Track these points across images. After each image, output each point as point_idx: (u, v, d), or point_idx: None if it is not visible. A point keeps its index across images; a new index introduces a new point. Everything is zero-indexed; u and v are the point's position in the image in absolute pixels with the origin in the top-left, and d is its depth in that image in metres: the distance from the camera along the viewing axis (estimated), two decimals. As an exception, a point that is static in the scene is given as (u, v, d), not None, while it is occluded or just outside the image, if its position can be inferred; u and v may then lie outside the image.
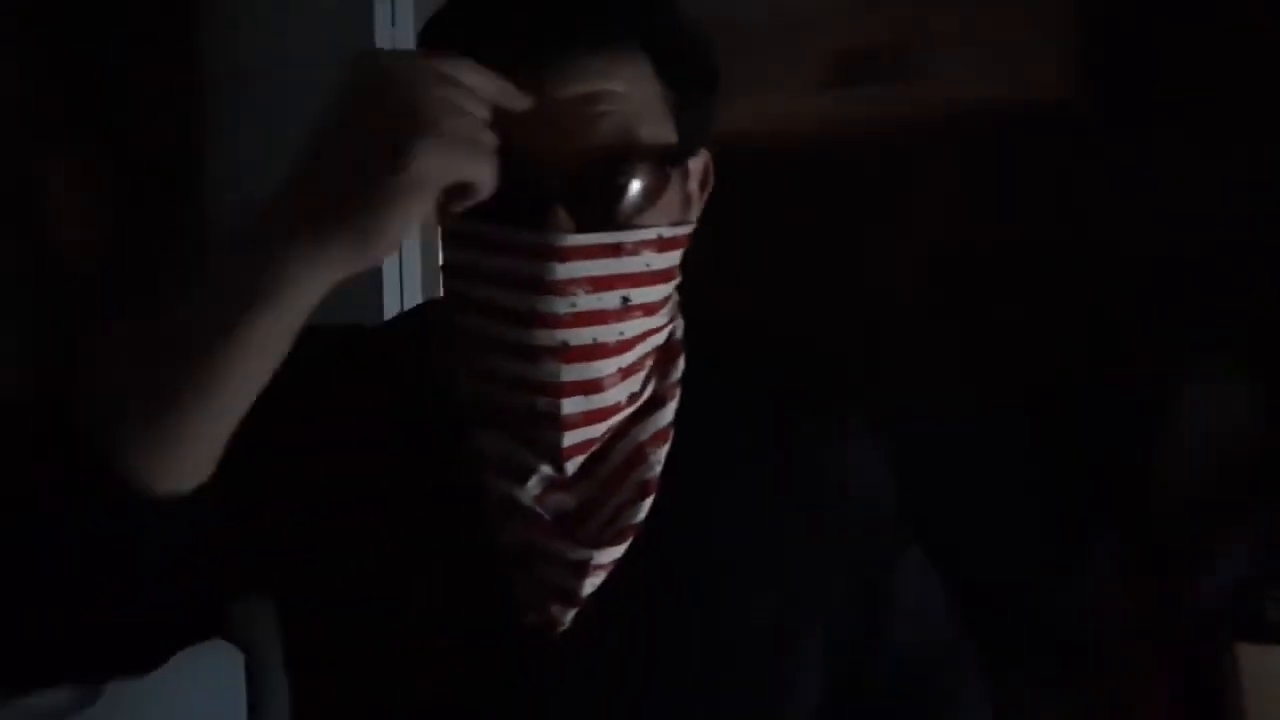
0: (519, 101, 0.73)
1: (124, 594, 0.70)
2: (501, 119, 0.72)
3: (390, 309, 1.78)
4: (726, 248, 0.90)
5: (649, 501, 0.82)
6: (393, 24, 1.86)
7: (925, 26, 2.12)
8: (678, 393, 0.85)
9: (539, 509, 0.81)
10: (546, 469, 0.81)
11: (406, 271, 1.84)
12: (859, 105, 2.16)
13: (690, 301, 0.91)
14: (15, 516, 0.66)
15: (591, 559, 0.80)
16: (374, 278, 1.69)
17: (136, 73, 1.79)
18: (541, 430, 0.79)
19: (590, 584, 0.80)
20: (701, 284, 0.90)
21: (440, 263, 0.82)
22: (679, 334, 0.87)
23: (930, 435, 1.92)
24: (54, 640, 0.70)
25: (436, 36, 0.80)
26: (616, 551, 0.81)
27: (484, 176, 0.69)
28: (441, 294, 0.84)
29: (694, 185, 0.86)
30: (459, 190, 0.69)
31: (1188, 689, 1.82)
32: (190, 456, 0.69)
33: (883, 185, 2.10)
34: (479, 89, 0.70)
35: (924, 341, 2.08)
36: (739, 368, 0.95)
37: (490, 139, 0.70)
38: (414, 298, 1.85)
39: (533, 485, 0.81)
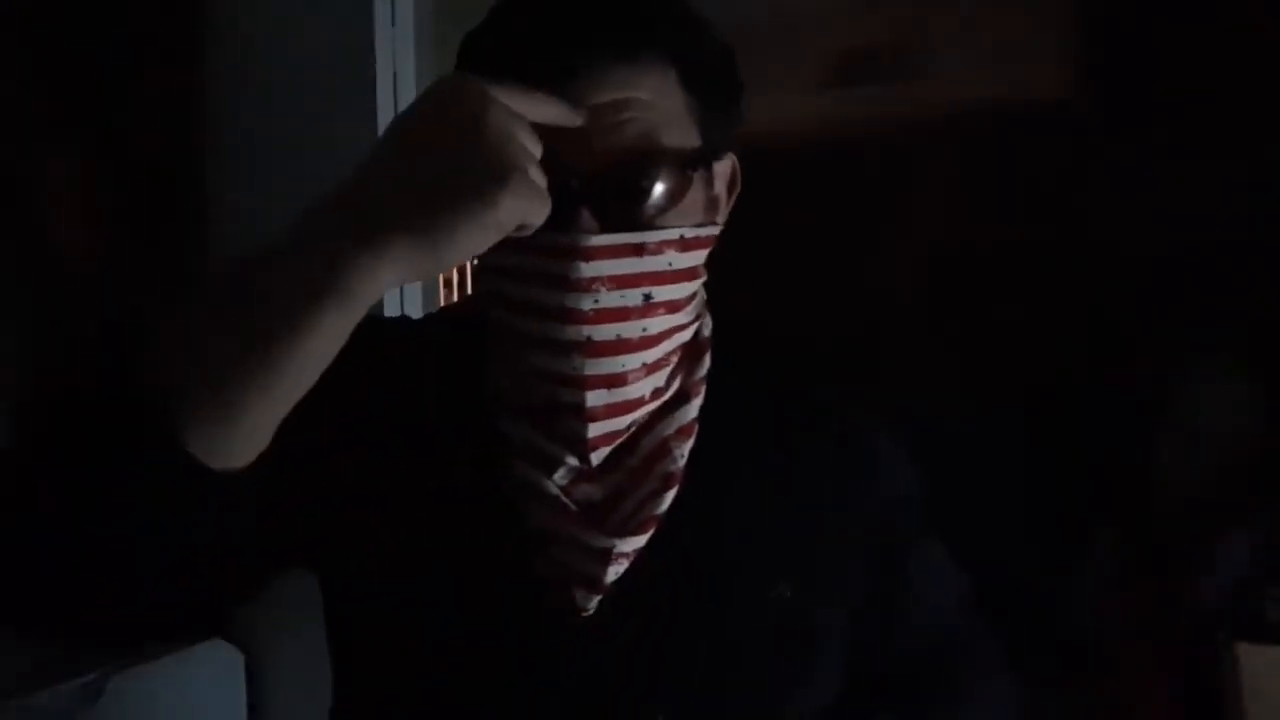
0: (575, 120, 0.77)
1: (178, 561, 0.72)
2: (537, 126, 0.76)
3: (390, 311, 1.78)
4: (726, 247, 0.91)
5: (672, 493, 0.85)
6: (393, 24, 1.87)
7: (925, 26, 2.12)
8: (703, 389, 0.89)
9: (565, 499, 0.85)
10: (573, 460, 0.85)
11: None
12: (859, 105, 2.17)
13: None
14: (81, 484, 0.68)
15: (615, 547, 0.83)
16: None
17: (137, 73, 1.79)
18: (567, 422, 0.83)
19: (614, 571, 0.83)
20: (703, 283, 0.91)
21: (473, 261, 0.86)
22: (706, 331, 0.91)
23: (930, 435, 1.91)
24: (107, 600, 0.72)
25: (474, 48, 0.85)
26: (639, 541, 0.84)
27: (543, 219, 0.73)
28: (440, 299, 0.87)
29: (720, 188, 0.89)
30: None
31: (1188, 689, 1.82)
32: (247, 436, 0.71)
33: (883, 185, 2.10)
34: (544, 117, 0.75)
35: (923, 341, 2.08)
36: (761, 364, 0.98)
37: (544, 180, 0.74)
38: (414, 299, 1.85)
39: (560, 476, 0.85)
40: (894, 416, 1.00)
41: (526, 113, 0.73)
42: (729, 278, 0.94)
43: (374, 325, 0.85)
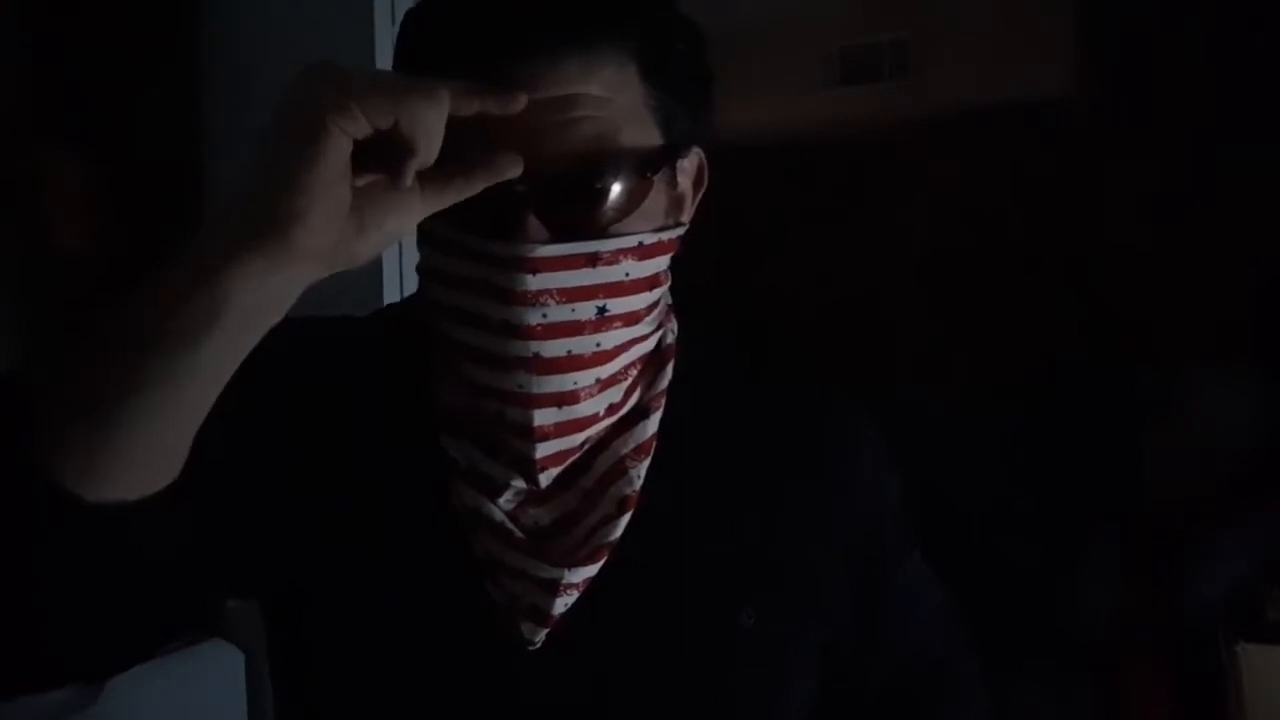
0: (504, 104, 0.69)
1: (89, 599, 0.68)
2: (475, 121, 0.69)
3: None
4: (727, 247, 0.89)
5: (626, 519, 0.79)
6: (393, 23, 1.86)
7: (925, 26, 2.12)
8: (663, 402, 0.82)
9: (510, 525, 0.78)
10: (519, 483, 0.78)
11: (407, 268, 1.84)
12: (859, 105, 2.17)
13: (690, 301, 0.88)
14: None
15: (562, 579, 0.77)
16: (374, 275, 1.69)
17: (137, 72, 1.79)
18: (513, 441, 0.77)
19: (562, 603, 0.77)
20: (702, 284, 0.88)
21: (416, 265, 0.80)
22: (670, 339, 0.84)
23: (929, 435, 1.91)
24: (22, 644, 0.68)
25: (411, 33, 0.78)
26: (589, 570, 0.77)
27: (412, 120, 0.64)
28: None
29: (686, 186, 0.81)
30: (401, 151, 0.65)
31: (1188, 689, 1.83)
32: (144, 464, 0.66)
33: (883, 185, 2.10)
34: (456, 94, 0.67)
35: (923, 340, 2.08)
36: (742, 368, 0.92)
37: (439, 96, 0.65)
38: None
39: (506, 500, 0.78)
40: (888, 416, 0.96)
41: (445, 103, 0.65)
42: (729, 277, 0.92)
43: (309, 326, 0.77)
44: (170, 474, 0.67)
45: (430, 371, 0.81)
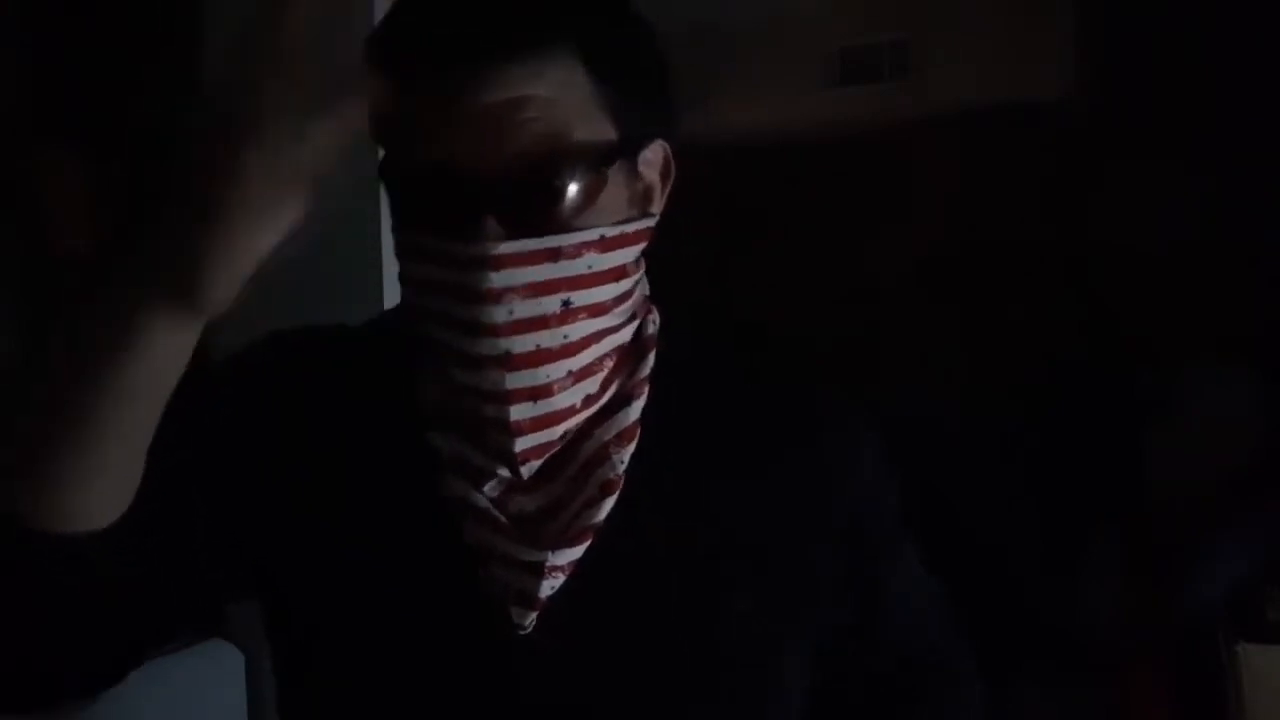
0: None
1: (59, 626, 0.71)
2: (423, 128, 0.73)
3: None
4: (727, 246, 0.89)
5: (610, 501, 0.81)
6: (393, 24, 1.86)
7: (925, 26, 2.12)
8: (646, 389, 0.84)
9: (496, 511, 0.81)
10: (504, 472, 0.81)
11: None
12: (859, 105, 2.17)
13: (689, 299, 0.89)
14: None
15: (547, 561, 0.79)
16: (374, 277, 1.69)
17: (137, 72, 1.79)
18: (493, 435, 0.79)
19: (548, 586, 0.79)
20: (702, 282, 0.89)
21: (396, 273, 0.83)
22: (650, 330, 0.86)
23: (930, 435, 1.92)
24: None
25: (372, 44, 0.80)
26: (574, 553, 0.80)
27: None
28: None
29: (652, 178, 0.83)
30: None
31: (1188, 689, 1.83)
32: (95, 493, 0.68)
33: (883, 185, 2.10)
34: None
35: (923, 340, 2.08)
36: (739, 365, 0.93)
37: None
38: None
39: (491, 488, 0.81)
40: (888, 416, 0.96)
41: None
42: (729, 276, 0.93)
43: (304, 335, 0.81)
44: (126, 499, 0.69)
45: (416, 373, 0.84)
